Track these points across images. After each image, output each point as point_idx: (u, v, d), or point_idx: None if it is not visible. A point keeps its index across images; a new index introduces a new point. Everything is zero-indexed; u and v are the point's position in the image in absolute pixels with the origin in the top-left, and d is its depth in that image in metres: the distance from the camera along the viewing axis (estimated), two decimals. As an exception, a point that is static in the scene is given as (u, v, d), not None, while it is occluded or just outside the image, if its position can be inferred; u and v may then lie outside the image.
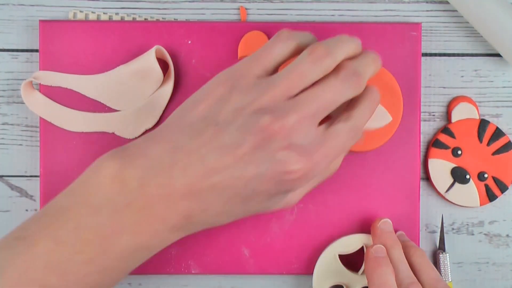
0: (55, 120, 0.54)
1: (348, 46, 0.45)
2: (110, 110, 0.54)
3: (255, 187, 0.43)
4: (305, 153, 0.42)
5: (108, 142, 0.54)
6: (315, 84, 0.44)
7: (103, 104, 0.54)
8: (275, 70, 0.45)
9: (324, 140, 0.43)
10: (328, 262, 0.53)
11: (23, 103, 0.56)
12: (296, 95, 0.43)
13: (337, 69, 0.44)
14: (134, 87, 0.53)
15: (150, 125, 0.54)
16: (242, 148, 0.42)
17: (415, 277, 0.48)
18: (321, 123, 0.44)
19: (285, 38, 0.45)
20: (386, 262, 0.49)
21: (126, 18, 0.56)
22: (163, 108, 0.54)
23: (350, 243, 0.53)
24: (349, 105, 0.46)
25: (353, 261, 0.54)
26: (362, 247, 0.53)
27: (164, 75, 0.53)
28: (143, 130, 0.54)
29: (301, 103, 0.43)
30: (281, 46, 0.45)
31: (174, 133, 0.44)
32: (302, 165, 0.42)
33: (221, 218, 0.45)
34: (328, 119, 0.45)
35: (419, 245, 0.55)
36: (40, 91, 0.54)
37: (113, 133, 0.54)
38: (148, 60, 0.52)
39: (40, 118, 0.54)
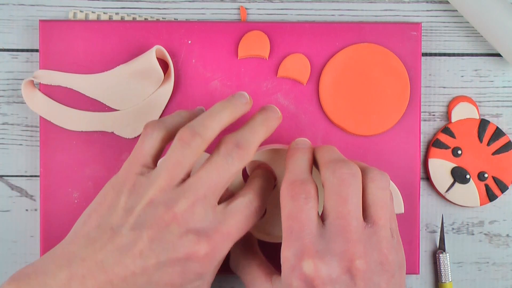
0: (55, 119, 0.54)
1: (219, 118, 0.45)
2: (110, 109, 0.54)
3: (159, 280, 0.42)
4: (204, 235, 0.42)
5: (108, 142, 0.54)
6: (202, 166, 0.44)
7: (102, 103, 0.54)
8: (155, 162, 0.46)
9: (223, 219, 0.43)
10: None
11: (23, 103, 0.56)
12: (185, 180, 0.44)
13: (218, 145, 0.45)
14: (134, 86, 0.53)
15: None
16: (138, 244, 0.42)
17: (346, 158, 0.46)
18: (224, 200, 0.45)
19: (150, 131, 0.46)
20: (304, 151, 0.47)
21: (126, 18, 0.56)
22: (162, 108, 0.54)
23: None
24: (248, 179, 0.47)
25: None
26: None
27: (164, 75, 0.53)
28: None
29: (188, 188, 0.43)
30: (148, 139, 0.45)
31: (69, 247, 0.43)
32: (202, 247, 0.42)
33: None
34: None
35: (419, 245, 0.55)
36: (40, 90, 0.54)
37: (112, 132, 0.54)
38: (148, 60, 0.52)
39: (40, 118, 0.54)
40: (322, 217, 0.44)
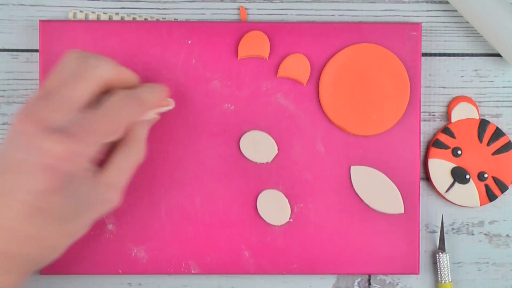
0: None
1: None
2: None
3: (36, 187, 0.41)
4: (66, 132, 0.41)
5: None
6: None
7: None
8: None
9: (90, 116, 0.43)
10: None
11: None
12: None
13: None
14: None
15: None
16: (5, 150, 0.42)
17: None
18: None
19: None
20: None
21: (126, 18, 0.56)
22: None
23: None
24: None
25: None
26: None
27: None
28: None
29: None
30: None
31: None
32: (62, 145, 0.41)
33: (35, 245, 0.43)
34: None
35: (419, 245, 0.55)
36: None
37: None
38: None
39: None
40: None
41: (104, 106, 0.44)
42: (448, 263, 0.55)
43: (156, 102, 0.48)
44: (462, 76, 0.57)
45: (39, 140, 0.41)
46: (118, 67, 0.46)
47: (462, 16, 0.56)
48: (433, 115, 0.56)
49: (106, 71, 0.45)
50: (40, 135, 0.41)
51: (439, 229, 0.56)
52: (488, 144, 0.55)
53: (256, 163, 0.54)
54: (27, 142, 0.42)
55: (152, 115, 0.49)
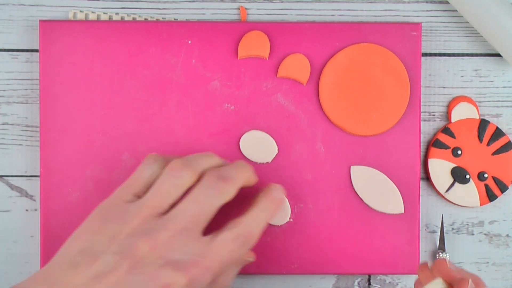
0: None
1: (208, 159, 0.47)
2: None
3: None
4: (182, 268, 0.42)
5: (108, 142, 0.54)
6: (184, 197, 0.44)
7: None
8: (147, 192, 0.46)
9: (205, 251, 0.43)
10: None
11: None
12: (169, 210, 0.44)
13: (201, 177, 0.45)
14: None
15: None
16: (116, 273, 0.41)
17: None
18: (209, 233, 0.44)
19: (152, 162, 0.46)
20: None
21: (126, 18, 0.56)
22: None
23: None
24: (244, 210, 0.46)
25: None
26: None
27: None
28: None
29: (170, 219, 0.43)
30: (147, 170, 0.46)
31: (53, 271, 0.42)
32: (179, 280, 0.41)
33: None
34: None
35: (419, 245, 0.55)
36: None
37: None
38: None
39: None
40: None
41: (217, 245, 0.44)
42: (448, 263, 0.55)
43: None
44: (462, 76, 0.57)
45: (157, 273, 0.41)
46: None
47: (462, 16, 0.56)
48: (433, 115, 0.56)
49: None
50: (158, 268, 0.41)
51: (439, 229, 0.56)
52: (488, 144, 0.55)
53: (256, 163, 0.54)
54: (144, 269, 0.41)
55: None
